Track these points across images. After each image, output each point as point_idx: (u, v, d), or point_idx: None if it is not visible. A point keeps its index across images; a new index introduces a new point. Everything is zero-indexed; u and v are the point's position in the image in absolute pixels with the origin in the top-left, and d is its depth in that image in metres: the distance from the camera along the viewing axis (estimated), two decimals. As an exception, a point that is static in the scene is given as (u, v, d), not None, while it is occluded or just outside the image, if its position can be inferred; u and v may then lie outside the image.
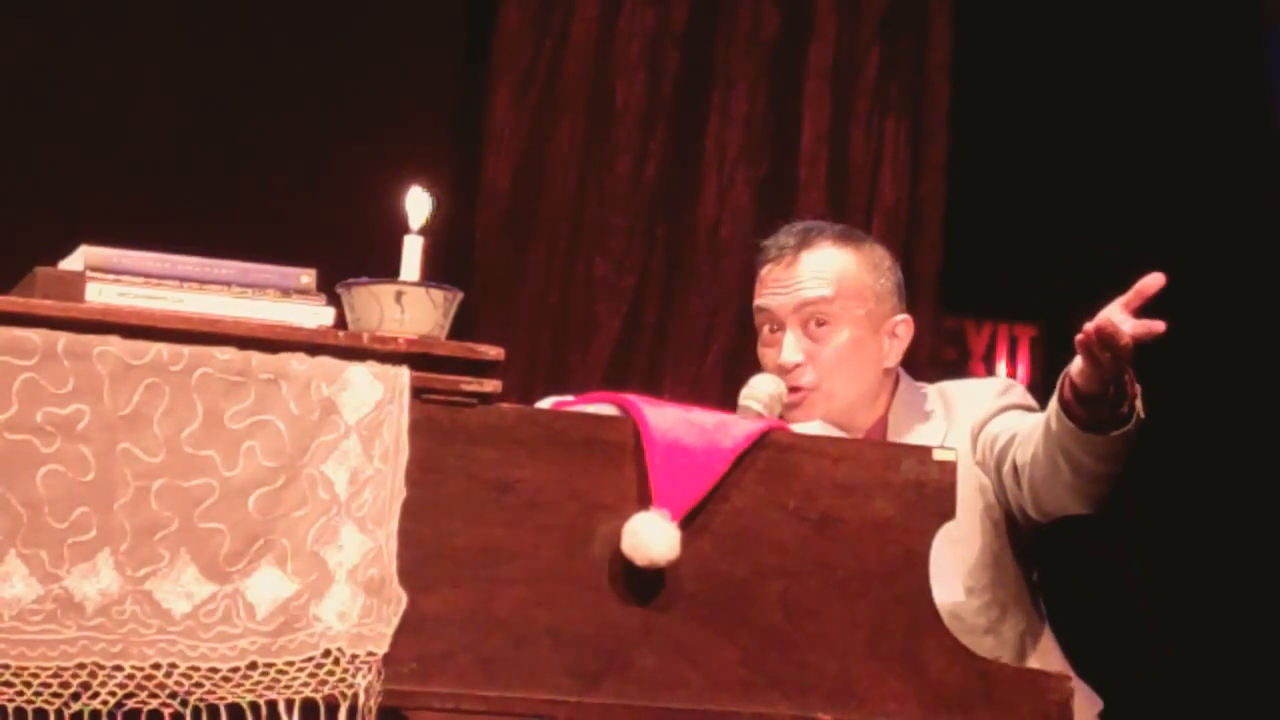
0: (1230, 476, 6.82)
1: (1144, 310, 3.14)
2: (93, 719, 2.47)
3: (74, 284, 2.59)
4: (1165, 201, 6.93)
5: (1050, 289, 7.03)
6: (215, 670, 2.51)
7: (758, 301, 3.53)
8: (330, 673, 2.54)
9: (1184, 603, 6.75)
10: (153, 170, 5.40)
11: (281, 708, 2.52)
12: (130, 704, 2.48)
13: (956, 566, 3.32)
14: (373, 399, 2.60)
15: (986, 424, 3.43)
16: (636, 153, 5.80)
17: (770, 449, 2.79)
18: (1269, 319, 6.81)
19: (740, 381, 3.42)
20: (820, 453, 2.82)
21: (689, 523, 2.71)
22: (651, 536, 2.67)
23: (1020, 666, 3.15)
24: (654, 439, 2.71)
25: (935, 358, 6.15)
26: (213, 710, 2.51)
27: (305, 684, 2.53)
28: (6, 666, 2.44)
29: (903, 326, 3.55)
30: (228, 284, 2.67)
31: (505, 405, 2.70)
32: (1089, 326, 3.04)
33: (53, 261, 2.67)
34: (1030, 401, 3.49)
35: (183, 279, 2.65)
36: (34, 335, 2.49)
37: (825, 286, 3.47)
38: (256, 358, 2.56)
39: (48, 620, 2.45)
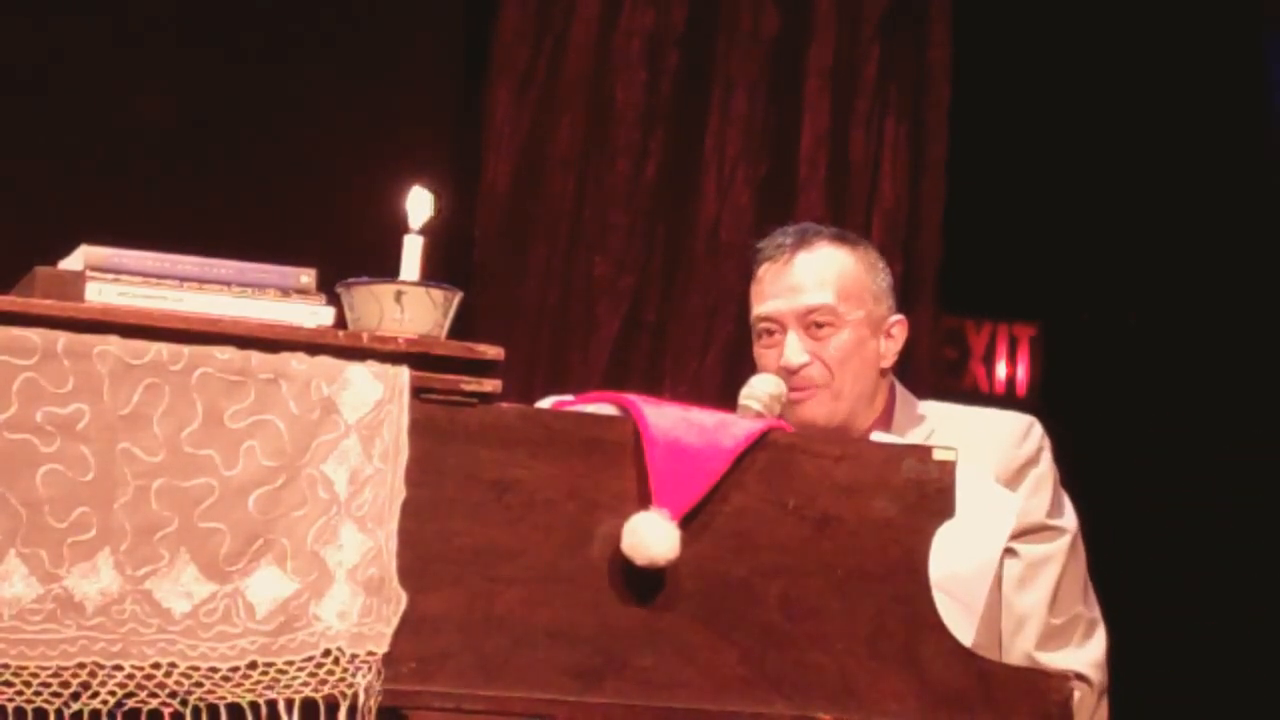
0: (1233, 473, 6.82)
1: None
2: (93, 719, 2.47)
3: (74, 284, 2.59)
4: (1165, 202, 6.94)
5: (1050, 289, 7.05)
6: (215, 670, 2.51)
7: (758, 308, 3.52)
8: (330, 672, 2.54)
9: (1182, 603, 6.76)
10: (153, 170, 5.40)
11: (281, 707, 2.52)
12: (130, 703, 2.48)
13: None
14: (372, 398, 2.60)
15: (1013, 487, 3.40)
16: (636, 152, 5.80)
17: (770, 449, 2.79)
18: (1269, 318, 6.81)
19: (740, 381, 3.41)
20: (820, 453, 2.82)
21: (689, 522, 2.71)
22: (651, 536, 2.67)
23: (1020, 666, 3.15)
24: (654, 439, 2.71)
25: (935, 358, 6.15)
26: (213, 710, 2.51)
27: (305, 683, 2.53)
28: (6, 666, 2.44)
29: (898, 327, 3.55)
30: (227, 284, 2.67)
31: (505, 405, 2.69)
32: None
33: (53, 261, 2.67)
34: (1046, 444, 3.47)
35: (182, 279, 2.65)
36: (34, 335, 2.49)
37: (827, 290, 3.47)
38: (256, 357, 2.56)
39: (48, 620, 2.45)
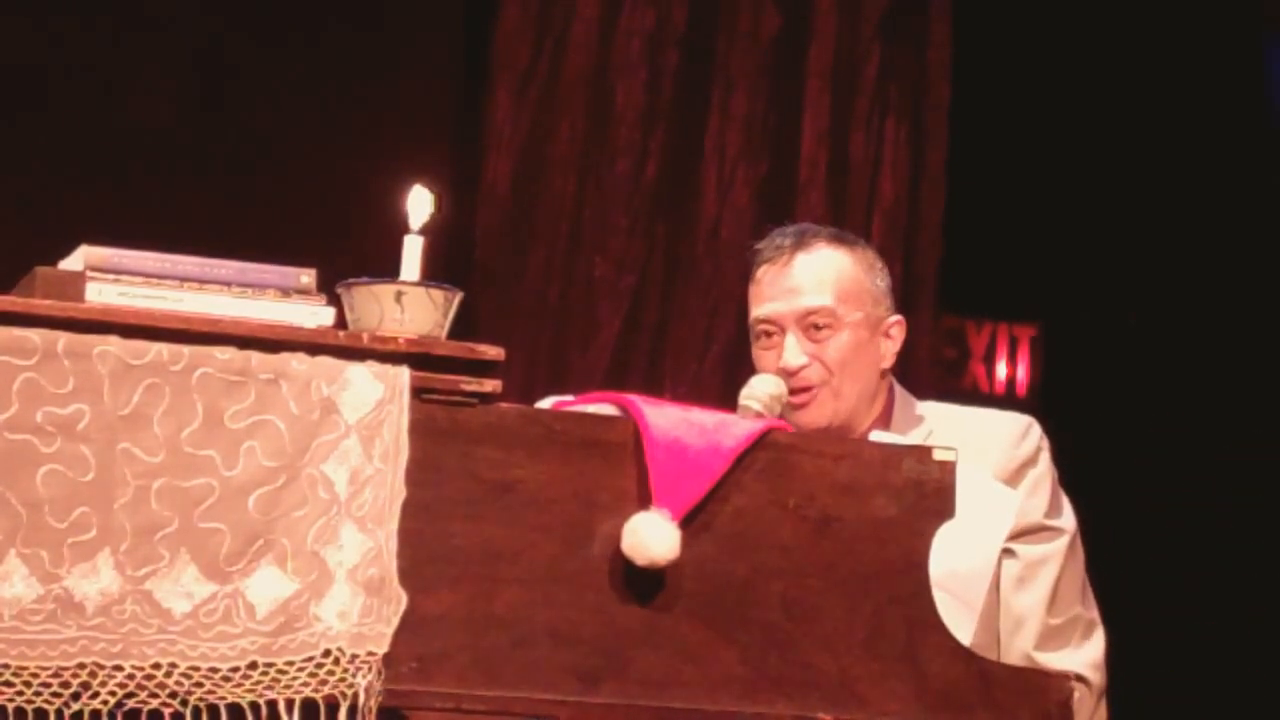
0: (1233, 473, 6.82)
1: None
2: (93, 719, 2.47)
3: (74, 284, 2.59)
4: (1165, 202, 6.94)
5: (1050, 289, 7.05)
6: (215, 670, 2.50)
7: (757, 310, 3.51)
8: (330, 672, 2.54)
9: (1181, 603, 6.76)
10: (153, 170, 5.41)
11: (281, 707, 2.52)
12: (130, 704, 2.48)
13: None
14: (373, 399, 2.60)
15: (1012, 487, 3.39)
16: (636, 153, 5.80)
17: (770, 449, 2.78)
18: (1269, 318, 6.81)
19: (740, 381, 3.41)
20: (820, 452, 2.82)
21: (689, 522, 2.71)
22: (651, 536, 2.67)
23: (1020, 666, 3.15)
24: (654, 439, 2.71)
25: (935, 358, 6.15)
26: (213, 710, 2.51)
27: (305, 684, 2.53)
28: (6, 666, 2.44)
29: (896, 328, 3.55)
30: (228, 284, 2.67)
31: (505, 405, 2.69)
32: None
33: (53, 261, 2.66)
34: (1045, 444, 3.46)
35: (183, 279, 2.65)
36: (34, 335, 2.49)
37: (825, 292, 3.46)
38: (256, 357, 2.56)
39: (48, 620, 2.45)
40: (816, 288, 3.47)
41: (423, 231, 2.73)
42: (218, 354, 2.55)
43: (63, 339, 2.49)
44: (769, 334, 3.49)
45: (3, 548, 2.44)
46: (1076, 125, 6.89)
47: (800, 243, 3.52)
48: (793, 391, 3.42)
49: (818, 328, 3.46)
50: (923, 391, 3.84)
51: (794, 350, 3.45)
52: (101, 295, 2.60)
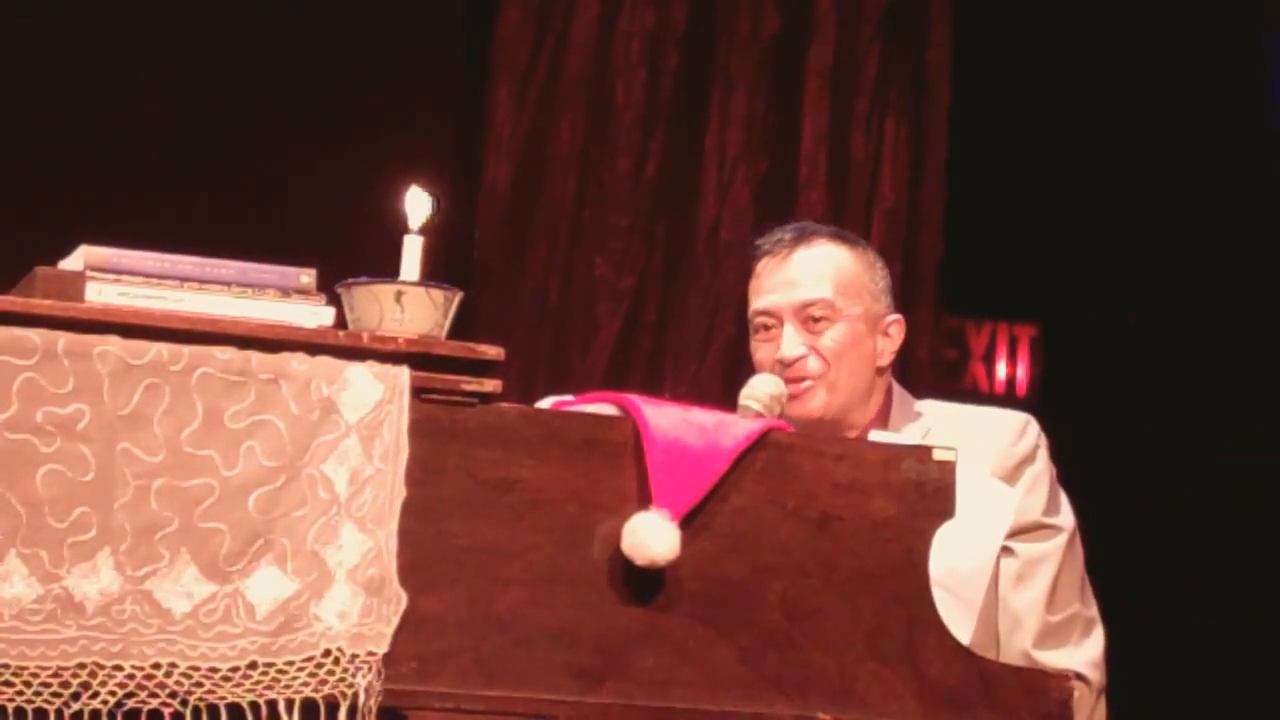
0: (1233, 473, 6.82)
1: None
2: (93, 719, 2.47)
3: (74, 284, 2.59)
4: (1165, 202, 6.94)
5: (1050, 289, 7.05)
6: (215, 670, 2.51)
7: (756, 302, 3.53)
8: (330, 672, 2.54)
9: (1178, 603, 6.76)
10: (153, 170, 5.41)
11: (281, 707, 2.52)
12: (130, 704, 2.48)
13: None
14: (373, 399, 2.60)
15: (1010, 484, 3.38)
16: (636, 153, 5.80)
17: (770, 449, 2.79)
18: (1269, 318, 6.81)
19: (740, 381, 3.41)
20: (820, 452, 2.82)
21: (689, 522, 2.71)
22: (651, 536, 2.67)
23: (1020, 666, 3.15)
24: (654, 439, 2.71)
25: (935, 358, 6.15)
26: (213, 710, 2.51)
27: (305, 684, 2.53)
28: (6, 666, 2.44)
29: (895, 326, 3.55)
30: (228, 284, 2.67)
31: (505, 405, 2.69)
32: None
33: (53, 261, 2.67)
34: (1042, 441, 3.46)
35: (183, 279, 2.65)
36: (34, 335, 2.49)
37: (824, 285, 3.47)
38: (256, 357, 2.56)
39: (48, 620, 2.45)
40: (815, 281, 3.48)
41: (422, 231, 2.74)
42: (218, 354, 2.55)
43: (63, 339, 2.49)
44: (767, 326, 3.50)
45: (3, 548, 2.44)
46: (1076, 125, 6.89)
47: (801, 238, 3.53)
48: (789, 382, 3.42)
49: (815, 320, 3.47)
50: (922, 392, 3.84)
51: (791, 341, 3.46)
52: (101, 295, 2.60)
